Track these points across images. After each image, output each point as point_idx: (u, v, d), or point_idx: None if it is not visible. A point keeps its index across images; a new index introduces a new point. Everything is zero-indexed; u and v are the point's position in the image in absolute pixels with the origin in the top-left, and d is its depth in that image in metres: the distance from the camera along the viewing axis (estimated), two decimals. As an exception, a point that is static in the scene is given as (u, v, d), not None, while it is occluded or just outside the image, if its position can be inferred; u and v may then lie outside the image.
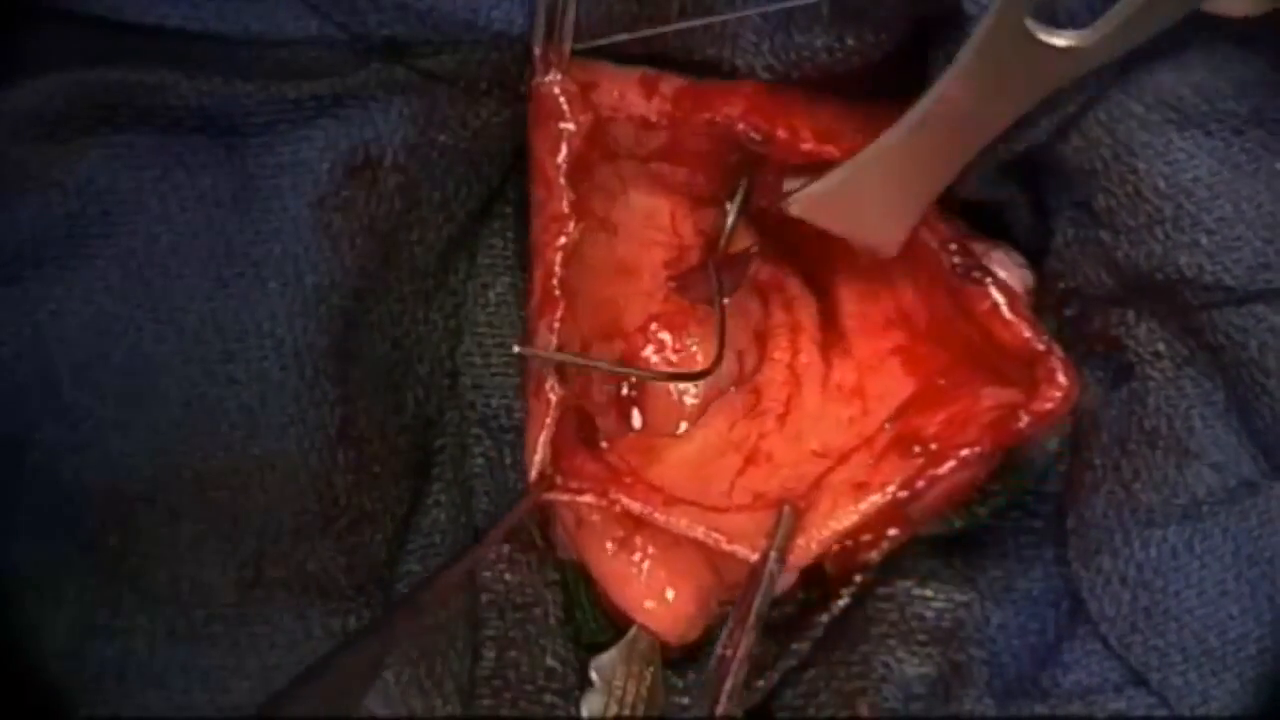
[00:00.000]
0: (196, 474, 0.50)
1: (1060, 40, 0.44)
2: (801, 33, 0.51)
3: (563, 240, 0.53)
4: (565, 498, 0.52)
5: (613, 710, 0.54)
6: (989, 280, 0.51)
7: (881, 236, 0.52)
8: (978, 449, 0.51)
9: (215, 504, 0.51)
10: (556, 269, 0.53)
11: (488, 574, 0.56)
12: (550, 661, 0.56)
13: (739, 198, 0.57)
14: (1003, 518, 0.56)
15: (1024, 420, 0.51)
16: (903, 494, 0.52)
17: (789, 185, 0.53)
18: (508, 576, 0.57)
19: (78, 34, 0.49)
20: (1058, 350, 0.51)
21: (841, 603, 0.56)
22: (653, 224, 0.58)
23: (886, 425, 0.55)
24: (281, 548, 0.51)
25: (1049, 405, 0.50)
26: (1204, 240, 0.46)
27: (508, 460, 0.58)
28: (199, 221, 0.50)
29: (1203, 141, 0.46)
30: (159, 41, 0.50)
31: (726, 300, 0.56)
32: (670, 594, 0.53)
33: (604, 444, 0.55)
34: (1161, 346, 0.50)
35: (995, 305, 0.51)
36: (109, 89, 0.49)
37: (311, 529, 0.52)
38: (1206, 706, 0.47)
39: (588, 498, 0.52)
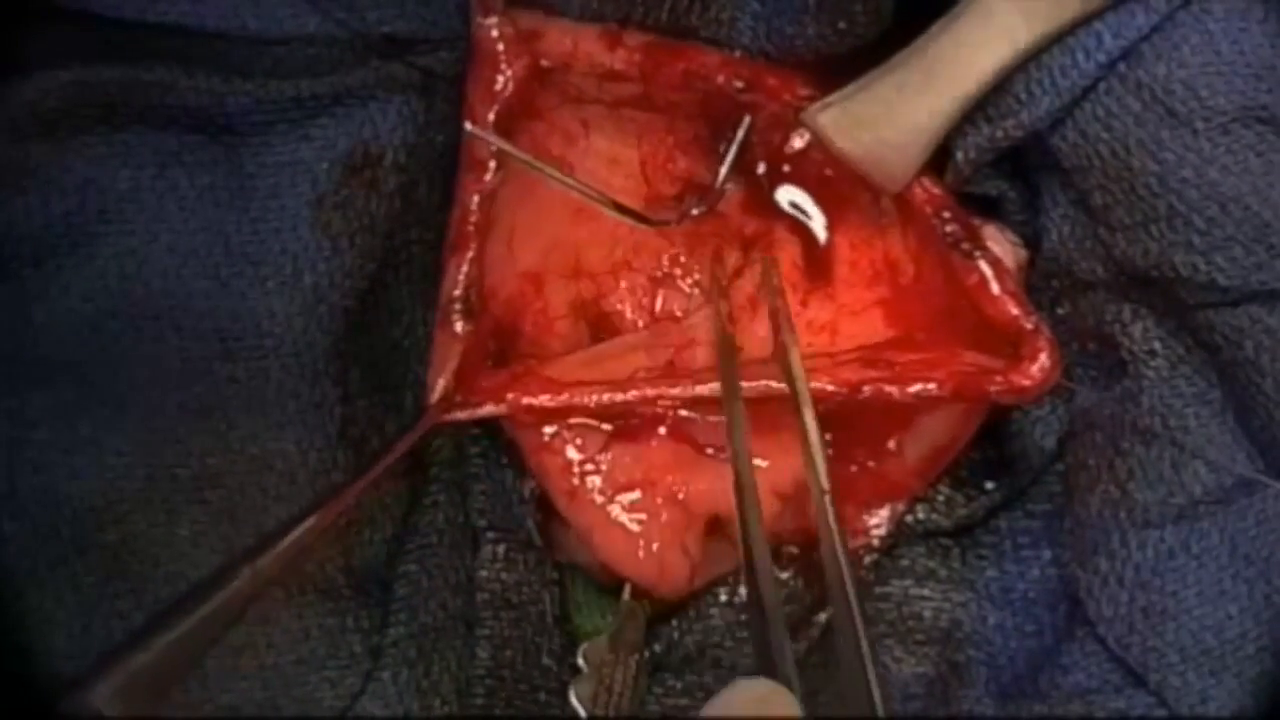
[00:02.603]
0: (194, 473, 0.50)
1: None
2: (791, 24, 0.51)
3: (482, 185, 0.53)
4: (464, 415, 0.54)
5: (601, 695, 0.54)
6: (979, 254, 0.51)
7: (895, 163, 0.51)
8: (934, 387, 0.51)
9: (213, 503, 0.51)
10: (472, 213, 0.54)
11: (484, 573, 0.56)
12: (546, 660, 0.56)
13: (739, 134, 0.56)
14: (999, 517, 0.56)
15: (996, 386, 0.51)
16: (843, 391, 0.52)
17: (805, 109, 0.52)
18: (504, 576, 0.57)
19: (76, 32, 0.49)
20: (1045, 330, 0.51)
21: (837, 603, 0.56)
22: (619, 170, 0.57)
23: (858, 349, 0.55)
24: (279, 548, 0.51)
25: (1026, 382, 0.50)
26: (1196, 240, 0.46)
27: (504, 460, 0.58)
28: (197, 220, 0.50)
29: (1190, 141, 0.46)
30: (157, 40, 0.50)
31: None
32: (655, 546, 0.54)
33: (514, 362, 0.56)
34: (1157, 344, 0.50)
35: (984, 280, 0.51)
36: (107, 87, 0.49)
37: (310, 529, 0.51)
38: (1205, 707, 0.47)
39: (487, 408, 0.54)
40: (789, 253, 0.57)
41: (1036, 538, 0.55)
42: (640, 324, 0.58)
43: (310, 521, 0.47)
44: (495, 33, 0.52)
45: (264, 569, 0.45)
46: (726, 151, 0.56)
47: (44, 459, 0.49)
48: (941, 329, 0.55)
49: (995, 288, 0.51)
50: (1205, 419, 0.49)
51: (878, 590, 0.57)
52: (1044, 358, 0.50)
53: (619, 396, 0.53)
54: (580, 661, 0.55)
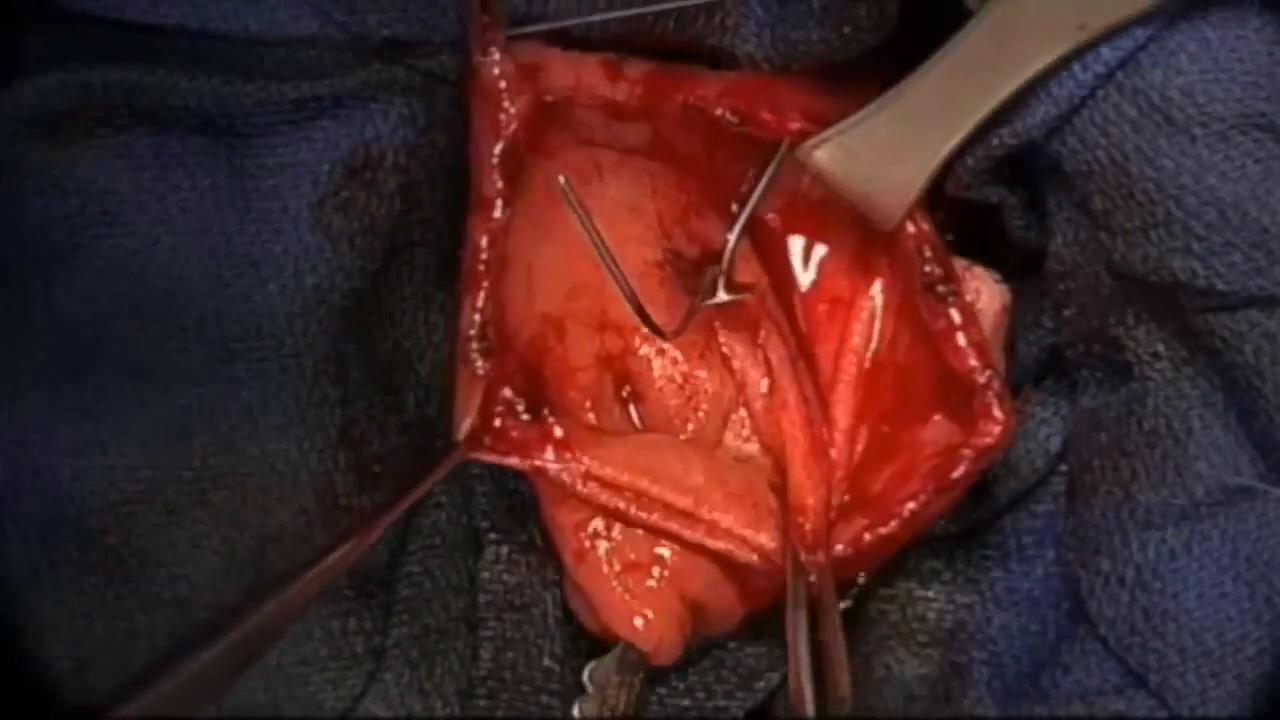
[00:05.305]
0: (196, 474, 0.50)
1: None
2: (796, 29, 0.51)
3: (491, 224, 0.53)
4: (491, 459, 0.53)
5: (605, 716, 0.54)
6: (952, 299, 0.51)
7: (891, 200, 0.51)
8: (920, 498, 0.52)
9: (215, 504, 0.51)
10: (483, 251, 0.53)
11: (486, 575, 0.57)
12: (548, 662, 0.56)
13: (740, 224, 0.56)
14: (1004, 518, 0.56)
15: (964, 461, 0.51)
16: (849, 551, 0.53)
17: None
18: (506, 577, 0.57)
19: (78, 34, 0.49)
20: (996, 384, 0.51)
21: (843, 605, 0.56)
22: (638, 219, 0.57)
23: (846, 496, 0.55)
24: (282, 548, 0.51)
25: (987, 441, 0.51)
26: (1195, 245, 0.46)
27: (506, 462, 0.58)
28: (199, 222, 0.50)
29: (1188, 148, 0.46)
30: (159, 41, 0.50)
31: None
32: (655, 622, 0.54)
33: (549, 418, 0.55)
34: (1161, 347, 0.50)
35: (950, 326, 0.51)
36: (109, 89, 0.49)
37: (312, 530, 0.52)
38: (1205, 708, 0.47)
39: (513, 460, 0.53)
40: (795, 389, 0.57)
41: (1041, 537, 0.55)
42: (667, 391, 0.57)
43: (340, 551, 0.48)
44: (496, 70, 0.52)
45: (293, 599, 0.45)
46: (732, 228, 0.56)
47: (46, 460, 0.49)
48: (909, 392, 0.55)
49: (959, 337, 0.51)
50: (1209, 421, 0.49)
51: (882, 591, 0.57)
52: (996, 411, 0.51)
53: (647, 519, 0.54)
54: (585, 680, 0.55)
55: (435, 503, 0.56)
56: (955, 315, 0.51)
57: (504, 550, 0.57)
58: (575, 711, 0.54)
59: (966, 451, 0.51)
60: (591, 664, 0.55)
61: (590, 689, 0.55)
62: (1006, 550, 0.56)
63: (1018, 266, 0.55)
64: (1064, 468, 0.55)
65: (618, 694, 0.54)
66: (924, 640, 0.56)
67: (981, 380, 0.51)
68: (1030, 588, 0.55)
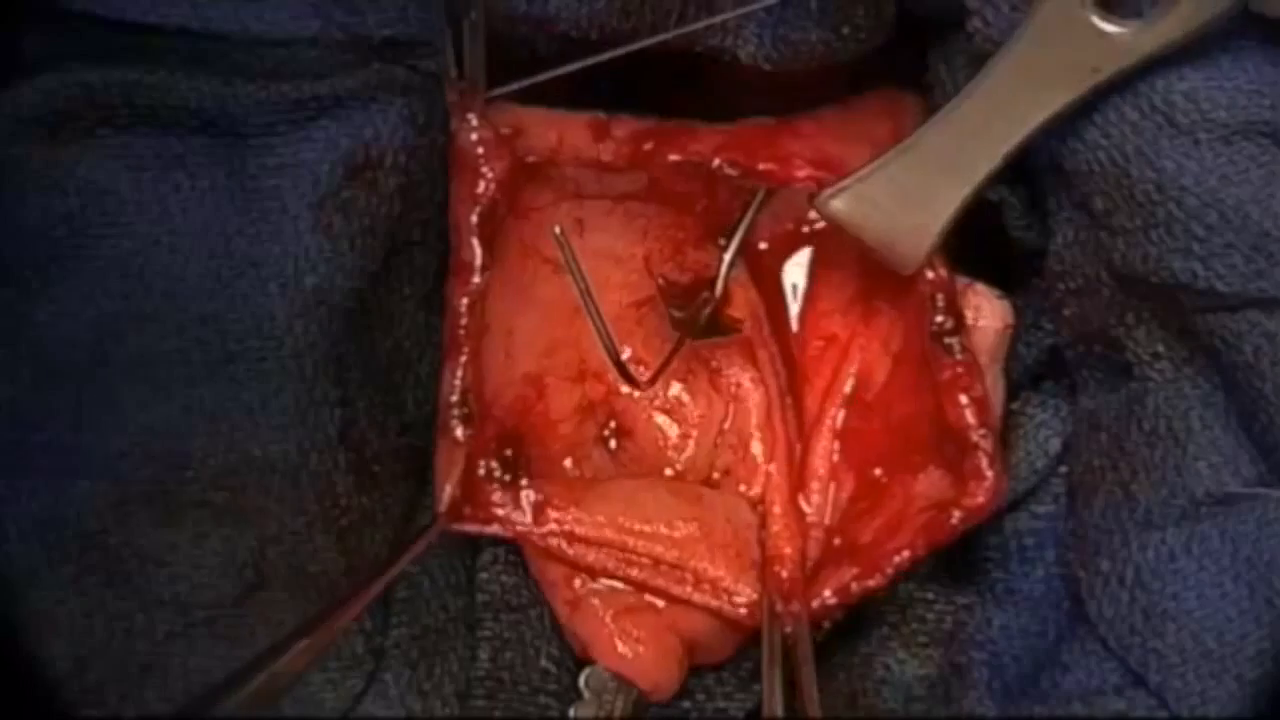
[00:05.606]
0: (197, 475, 0.50)
1: (1116, 28, 0.45)
2: (796, 30, 0.51)
3: (469, 288, 0.52)
4: (473, 529, 0.53)
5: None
6: (960, 350, 0.52)
7: (911, 246, 0.51)
8: (908, 554, 0.52)
9: (216, 505, 0.51)
10: (462, 316, 0.53)
11: (484, 575, 0.57)
12: (544, 663, 0.56)
13: (728, 259, 0.56)
14: (1004, 519, 0.56)
15: (956, 518, 0.52)
16: (834, 601, 0.53)
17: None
18: (504, 578, 0.57)
19: (78, 34, 0.49)
20: (989, 445, 0.51)
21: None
22: (620, 267, 0.57)
23: (835, 540, 0.55)
24: (282, 548, 0.52)
25: (979, 500, 0.51)
26: (1195, 247, 0.46)
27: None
28: (199, 222, 0.50)
29: (1191, 150, 0.46)
30: (159, 41, 0.50)
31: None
32: (651, 661, 0.54)
33: (524, 482, 0.54)
34: (1161, 348, 0.50)
35: (955, 378, 0.51)
36: (109, 89, 0.49)
37: (312, 530, 0.52)
38: (1205, 708, 0.47)
39: (494, 529, 0.53)
40: (785, 439, 0.57)
41: (1041, 538, 0.55)
42: (655, 423, 0.57)
43: (319, 630, 0.47)
44: (474, 136, 0.51)
45: (281, 670, 0.45)
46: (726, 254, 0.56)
47: (46, 461, 0.49)
48: (902, 441, 0.55)
49: (961, 395, 0.51)
50: (1209, 421, 0.49)
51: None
52: (986, 471, 0.51)
53: (634, 575, 0.54)
54: (581, 686, 0.55)
55: (432, 503, 0.56)
56: (960, 369, 0.51)
57: (501, 551, 0.57)
58: (572, 713, 0.54)
59: (956, 512, 0.52)
60: (587, 670, 0.55)
61: (587, 695, 0.54)
62: (1007, 551, 0.56)
63: (1018, 267, 0.55)
64: (1064, 468, 0.55)
65: (614, 699, 0.54)
66: (924, 640, 0.56)
67: (974, 439, 0.51)
68: (1030, 588, 0.55)
